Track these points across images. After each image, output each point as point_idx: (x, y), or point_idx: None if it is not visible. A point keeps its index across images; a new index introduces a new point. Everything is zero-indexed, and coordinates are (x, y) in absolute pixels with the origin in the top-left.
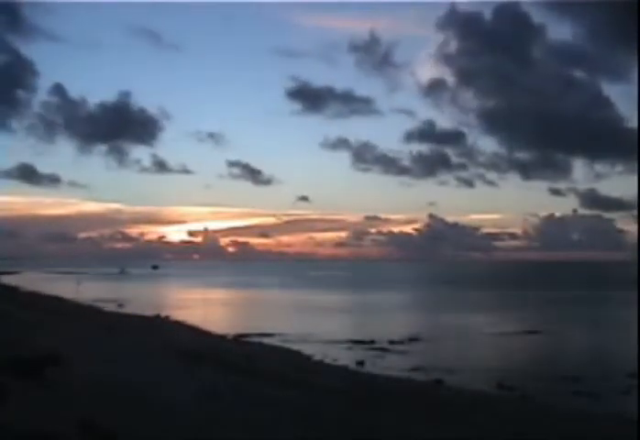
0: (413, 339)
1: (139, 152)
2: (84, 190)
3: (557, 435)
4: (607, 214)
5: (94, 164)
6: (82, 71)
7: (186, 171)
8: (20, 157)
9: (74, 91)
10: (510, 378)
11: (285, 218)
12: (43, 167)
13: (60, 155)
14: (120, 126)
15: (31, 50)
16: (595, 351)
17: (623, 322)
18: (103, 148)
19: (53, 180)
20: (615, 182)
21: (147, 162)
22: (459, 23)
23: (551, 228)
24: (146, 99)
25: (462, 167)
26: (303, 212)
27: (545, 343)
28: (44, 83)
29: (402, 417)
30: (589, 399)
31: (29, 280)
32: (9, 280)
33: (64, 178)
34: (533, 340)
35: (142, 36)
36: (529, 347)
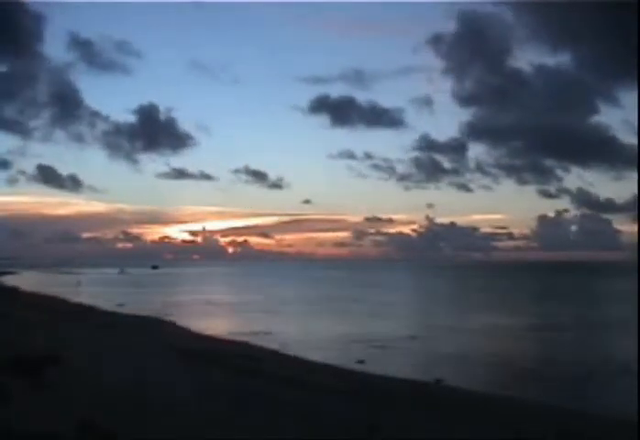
0: (412, 338)
1: (166, 161)
2: (103, 194)
3: (557, 436)
4: (602, 216)
5: (123, 171)
6: (141, 97)
7: (205, 177)
8: (52, 162)
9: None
10: (510, 378)
11: (286, 218)
12: (75, 172)
13: (95, 163)
14: (155, 139)
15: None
16: (595, 350)
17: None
18: (137, 156)
19: (75, 183)
20: (609, 186)
21: (169, 169)
22: (457, 40)
23: (548, 229)
24: (186, 116)
25: (461, 173)
26: (306, 212)
27: (544, 343)
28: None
29: (403, 417)
30: (589, 399)
31: (29, 281)
32: (9, 280)
33: (87, 182)
34: (533, 339)
35: (195, 68)
36: (529, 347)
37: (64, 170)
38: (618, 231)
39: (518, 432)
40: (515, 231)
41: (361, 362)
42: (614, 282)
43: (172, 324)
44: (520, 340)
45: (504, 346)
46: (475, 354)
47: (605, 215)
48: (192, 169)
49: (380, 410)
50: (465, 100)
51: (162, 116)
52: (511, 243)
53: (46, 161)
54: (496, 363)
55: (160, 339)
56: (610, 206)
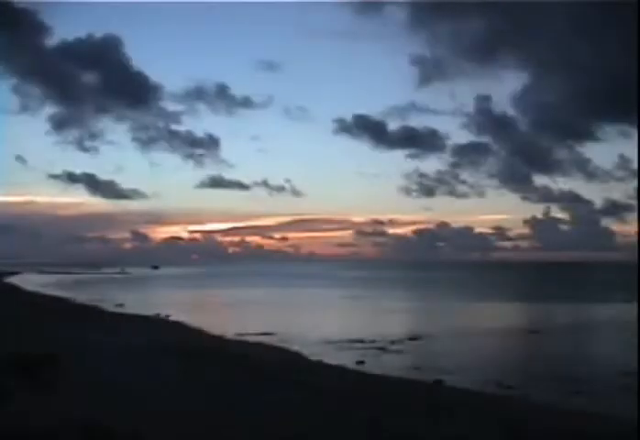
0: (412, 339)
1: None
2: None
3: (557, 435)
4: (596, 217)
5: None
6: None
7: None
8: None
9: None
10: (510, 377)
11: (289, 219)
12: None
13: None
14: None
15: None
16: (594, 350)
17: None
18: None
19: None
20: (603, 189)
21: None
22: None
23: (543, 229)
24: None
25: (459, 180)
26: (308, 212)
27: (544, 343)
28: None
29: (402, 417)
30: (589, 399)
31: (31, 281)
32: (10, 280)
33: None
34: (532, 340)
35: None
36: (529, 347)
37: (77, 170)
38: (612, 232)
39: (518, 432)
40: (511, 233)
41: (361, 363)
42: (609, 282)
43: (172, 324)
44: (520, 340)
45: (505, 345)
46: (475, 354)
47: (599, 217)
48: (210, 173)
49: (380, 410)
50: (464, 124)
51: (199, 133)
52: (507, 243)
53: (67, 166)
54: (497, 363)
55: (161, 339)
56: (604, 208)
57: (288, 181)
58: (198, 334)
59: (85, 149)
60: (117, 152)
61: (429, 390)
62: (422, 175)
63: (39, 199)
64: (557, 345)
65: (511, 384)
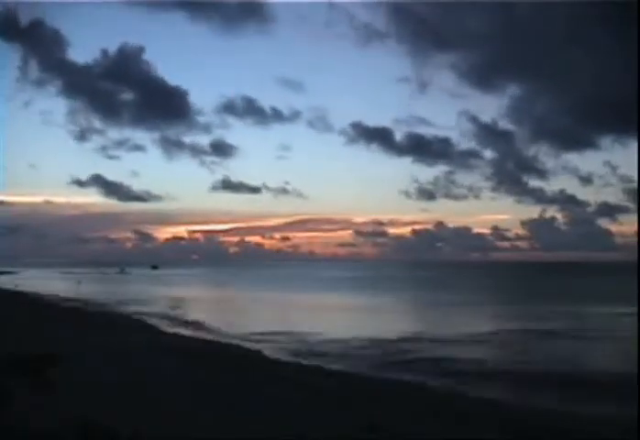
0: (412, 340)
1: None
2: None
3: (557, 436)
4: (591, 217)
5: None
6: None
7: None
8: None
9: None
10: (510, 377)
11: (290, 219)
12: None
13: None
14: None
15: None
16: (593, 351)
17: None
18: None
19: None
20: (599, 190)
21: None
22: None
23: (540, 230)
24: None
25: (457, 184)
26: (310, 212)
27: (543, 343)
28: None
29: (402, 417)
30: (589, 399)
31: (30, 281)
32: (9, 280)
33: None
34: (531, 340)
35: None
36: (528, 347)
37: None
38: (610, 233)
39: (518, 433)
40: (510, 233)
41: (360, 364)
42: (607, 281)
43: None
44: (519, 340)
45: (504, 346)
46: (475, 355)
47: (595, 218)
48: (222, 178)
49: (380, 410)
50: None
51: (217, 142)
52: (506, 243)
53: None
54: (497, 363)
55: (161, 338)
56: (600, 210)
57: (288, 183)
58: (198, 333)
59: (111, 157)
60: (143, 160)
61: (429, 390)
62: (422, 179)
63: (55, 199)
64: (556, 345)
65: (510, 384)
